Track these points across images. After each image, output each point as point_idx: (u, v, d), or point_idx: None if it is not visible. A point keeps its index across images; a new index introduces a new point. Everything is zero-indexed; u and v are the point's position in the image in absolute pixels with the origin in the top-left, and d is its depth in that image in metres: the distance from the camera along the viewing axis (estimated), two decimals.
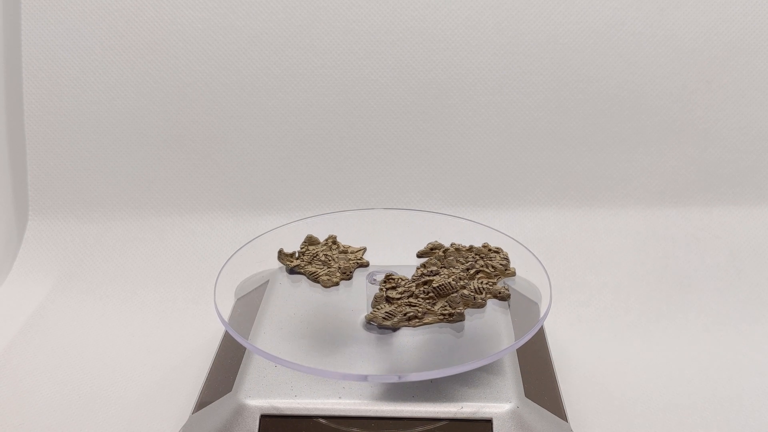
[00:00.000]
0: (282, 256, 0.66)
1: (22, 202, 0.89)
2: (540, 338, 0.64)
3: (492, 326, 0.57)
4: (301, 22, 0.86)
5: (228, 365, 0.59)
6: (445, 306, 0.57)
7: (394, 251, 0.66)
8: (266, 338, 0.57)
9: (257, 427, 0.52)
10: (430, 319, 0.57)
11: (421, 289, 0.58)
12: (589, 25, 0.86)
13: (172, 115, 0.88)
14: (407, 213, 0.74)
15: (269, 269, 0.68)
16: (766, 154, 0.88)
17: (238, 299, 0.68)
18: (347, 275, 0.64)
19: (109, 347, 0.74)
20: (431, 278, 0.59)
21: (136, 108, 0.88)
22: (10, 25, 0.85)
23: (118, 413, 0.64)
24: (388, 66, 0.87)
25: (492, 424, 0.51)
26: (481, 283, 0.60)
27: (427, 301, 0.58)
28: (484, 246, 0.65)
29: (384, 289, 0.58)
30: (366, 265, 0.66)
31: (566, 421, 0.55)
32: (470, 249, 0.64)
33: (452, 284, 0.58)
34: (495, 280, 0.61)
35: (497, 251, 0.64)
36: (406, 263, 0.64)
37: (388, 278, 0.59)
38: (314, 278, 0.63)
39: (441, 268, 0.61)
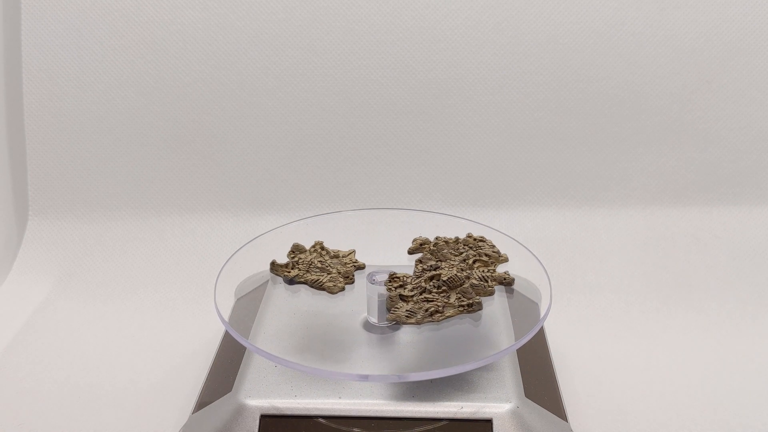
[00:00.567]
0: (276, 267, 0.64)
1: (22, 202, 0.89)
2: (540, 338, 0.64)
3: (492, 326, 0.57)
4: (301, 22, 0.86)
5: (228, 365, 0.59)
6: (460, 297, 0.57)
7: (388, 251, 0.66)
8: (266, 338, 0.57)
9: (257, 427, 0.52)
10: (451, 312, 0.57)
11: (431, 283, 0.58)
12: (589, 25, 0.86)
13: (172, 115, 0.88)
14: (407, 213, 0.74)
15: (269, 269, 0.68)
16: (766, 154, 0.88)
17: (238, 299, 0.68)
18: (350, 279, 0.63)
19: (109, 347, 0.74)
20: (437, 272, 0.59)
21: (136, 108, 0.88)
22: (10, 25, 0.85)
23: (118, 413, 0.64)
24: (388, 66, 0.87)
25: (492, 424, 0.51)
26: (482, 271, 0.61)
27: (442, 294, 0.58)
28: (468, 236, 0.65)
29: (393, 288, 0.58)
30: (362, 267, 0.65)
31: (566, 421, 0.55)
32: (456, 241, 0.64)
33: (459, 275, 0.58)
34: (493, 268, 0.62)
35: (482, 240, 0.64)
36: (399, 262, 0.64)
37: (393, 277, 0.59)
38: (318, 286, 0.62)
39: (438, 261, 0.61)
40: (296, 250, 0.65)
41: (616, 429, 0.62)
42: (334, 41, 0.86)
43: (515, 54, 0.87)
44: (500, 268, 0.63)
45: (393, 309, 0.57)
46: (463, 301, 0.57)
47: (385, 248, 0.67)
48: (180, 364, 0.71)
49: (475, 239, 0.64)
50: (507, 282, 0.61)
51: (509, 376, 0.54)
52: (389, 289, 0.58)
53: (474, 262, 0.62)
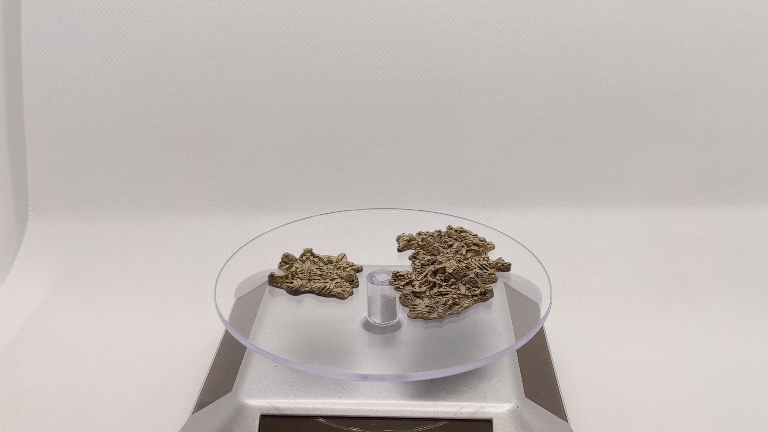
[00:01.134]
0: (277, 280, 0.62)
1: (22, 202, 0.89)
2: (540, 338, 0.64)
3: (492, 327, 0.57)
4: (301, 22, 0.86)
5: (228, 365, 0.59)
6: (469, 287, 0.58)
7: (384, 251, 0.66)
8: (266, 338, 0.57)
9: (257, 427, 0.52)
10: (467, 303, 0.57)
11: (438, 277, 0.58)
12: (589, 25, 0.86)
13: (172, 115, 0.88)
14: (407, 213, 0.74)
15: (269, 269, 0.68)
16: (766, 154, 0.88)
17: (238, 299, 0.68)
18: (354, 283, 0.63)
19: (109, 347, 0.74)
20: (440, 266, 0.59)
21: (136, 108, 0.88)
22: (10, 25, 0.85)
23: (118, 413, 0.64)
24: (388, 66, 0.87)
25: (492, 424, 0.51)
26: (478, 260, 0.61)
27: (453, 287, 0.58)
28: (449, 228, 0.65)
29: (401, 287, 0.58)
30: (360, 269, 0.65)
31: (566, 421, 0.55)
32: (440, 234, 0.64)
33: (462, 266, 0.58)
34: (485, 255, 0.62)
35: (464, 231, 0.64)
36: (391, 262, 0.64)
37: (398, 276, 0.59)
38: (327, 293, 0.61)
39: (432, 255, 0.61)
40: (288, 260, 0.64)
41: (616, 429, 0.62)
42: (334, 41, 0.86)
43: (515, 54, 0.87)
44: (492, 257, 0.63)
45: (411, 307, 0.57)
46: (474, 290, 0.57)
47: (383, 248, 0.67)
48: (180, 364, 0.71)
49: (456, 230, 0.65)
50: (505, 268, 0.61)
51: (509, 376, 0.54)
52: (397, 288, 0.58)
53: (467, 252, 0.62)
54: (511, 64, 0.87)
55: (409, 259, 0.63)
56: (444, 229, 0.65)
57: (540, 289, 0.64)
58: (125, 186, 0.89)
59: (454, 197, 0.90)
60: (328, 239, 0.68)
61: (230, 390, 0.55)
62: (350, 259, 0.65)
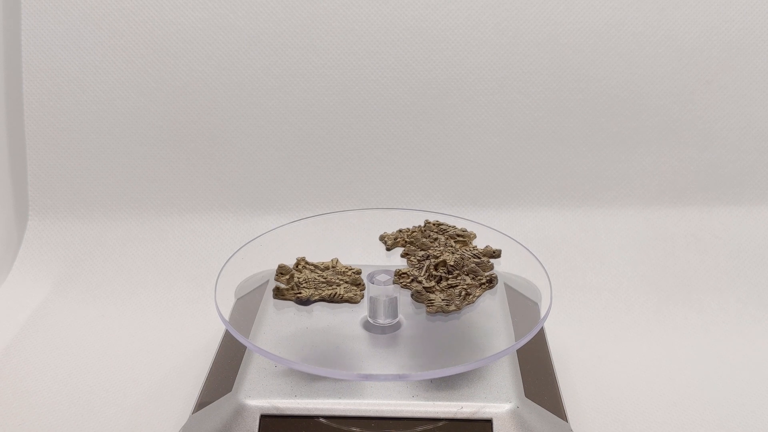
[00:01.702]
0: (283, 292, 0.61)
1: (22, 202, 0.89)
2: (540, 338, 0.64)
3: (492, 327, 0.57)
4: (301, 22, 0.86)
5: (228, 365, 0.59)
6: (472, 277, 0.58)
7: (380, 252, 0.66)
8: (266, 338, 0.57)
9: (257, 427, 0.52)
10: (478, 291, 0.58)
11: (441, 270, 0.59)
12: (589, 25, 0.86)
13: (172, 115, 0.88)
14: (407, 213, 0.74)
15: (269, 269, 0.68)
16: (766, 154, 0.88)
17: (238, 299, 0.68)
18: (361, 285, 0.63)
19: (109, 347, 0.74)
20: (440, 259, 0.59)
21: (136, 108, 0.88)
22: (10, 25, 0.85)
23: (118, 413, 0.64)
24: (388, 66, 0.87)
25: (492, 424, 0.51)
26: (469, 250, 0.62)
27: (459, 278, 0.58)
28: (427, 222, 0.65)
29: (408, 284, 0.58)
30: (359, 272, 0.65)
31: (566, 421, 0.55)
32: (421, 229, 0.65)
33: (460, 258, 0.59)
34: (473, 245, 0.63)
35: (441, 223, 0.65)
36: (381, 262, 0.64)
37: (401, 274, 0.59)
38: (339, 300, 0.60)
39: (421, 250, 0.61)
40: (285, 271, 0.63)
41: (616, 429, 0.62)
42: (334, 41, 0.86)
43: (515, 54, 0.87)
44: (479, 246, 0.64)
45: (428, 302, 0.57)
46: (481, 279, 0.58)
47: (381, 248, 0.67)
48: (180, 364, 0.71)
49: (434, 224, 0.65)
50: (496, 254, 0.62)
51: (509, 376, 0.54)
52: (405, 286, 0.58)
53: (455, 243, 0.62)
54: (511, 64, 0.87)
55: (402, 256, 0.63)
56: (421, 225, 0.66)
57: (540, 289, 0.64)
58: (125, 186, 0.89)
59: (454, 197, 0.90)
60: (328, 239, 0.68)
61: (230, 390, 0.55)
62: (345, 260, 0.65)
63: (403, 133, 0.89)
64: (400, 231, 0.65)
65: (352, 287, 0.61)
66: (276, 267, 0.67)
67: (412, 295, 0.58)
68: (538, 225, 0.89)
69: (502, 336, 0.57)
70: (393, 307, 0.58)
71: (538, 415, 0.53)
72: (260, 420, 0.52)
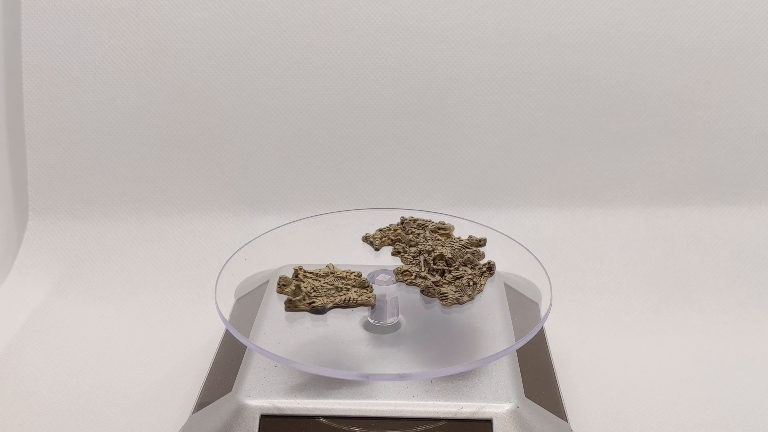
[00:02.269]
0: (296, 303, 0.59)
1: (22, 202, 0.89)
2: (540, 338, 0.64)
3: (492, 327, 0.57)
4: (301, 22, 0.86)
5: (228, 365, 0.59)
6: (471, 267, 0.59)
7: (360, 252, 0.66)
8: (266, 338, 0.57)
9: (257, 427, 0.52)
10: (483, 280, 0.59)
11: (440, 263, 0.59)
12: (589, 25, 0.86)
13: (172, 115, 0.88)
14: (407, 213, 0.74)
15: (269, 269, 0.68)
16: (766, 154, 0.88)
17: (238, 299, 0.68)
18: (370, 288, 0.62)
19: (109, 347, 0.74)
20: (437, 253, 0.59)
21: (136, 108, 0.88)
22: (10, 25, 0.85)
23: (118, 413, 0.64)
24: (388, 66, 0.87)
25: (492, 424, 0.51)
26: (457, 241, 0.63)
27: (460, 269, 0.58)
28: (402, 219, 0.66)
29: (412, 281, 0.58)
30: (359, 275, 0.65)
31: (566, 421, 0.55)
32: (403, 226, 0.65)
33: (455, 249, 0.59)
34: (456, 237, 0.64)
35: (416, 219, 0.66)
36: (368, 262, 0.64)
37: (403, 272, 0.59)
38: (354, 304, 0.59)
39: (410, 246, 0.62)
40: (286, 282, 0.61)
41: (616, 429, 0.62)
42: (334, 41, 0.86)
43: (515, 54, 0.87)
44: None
45: (441, 296, 0.57)
46: (481, 267, 0.59)
47: (365, 249, 0.66)
48: (180, 364, 0.71)
49: (411, 220, 0.65)
50: (482, 243, 0.62)
51: (509, 376, 0.54)
52: (410, 283, 0.58)
53: (440, 236, 0.63)
54: (511, 64, 0.87)
55: (393, 255, 0.63)
56: (396, 223, 0.66)
57: (540, 289, 0.64)
58: (125, 186, 0.89)
59: (454, 197, 0.90)
60: (327, 239, 0.68)
61: (230, 390, 0.55)
62: (344, 260, 0.65)
63: (403, 133, 0.89)
64: (380, 230, 0.65)
65: (362, 290, 0.60)
66: (276, 267, 0.67)
67: (422, 291, 0.58)
68: (538, 225, 0.89)
69: (502, 336, 0.57)
70: (393, 307, 0.58)
71: (538, 415, 0.53)
72: (260, 420, 0.52)
